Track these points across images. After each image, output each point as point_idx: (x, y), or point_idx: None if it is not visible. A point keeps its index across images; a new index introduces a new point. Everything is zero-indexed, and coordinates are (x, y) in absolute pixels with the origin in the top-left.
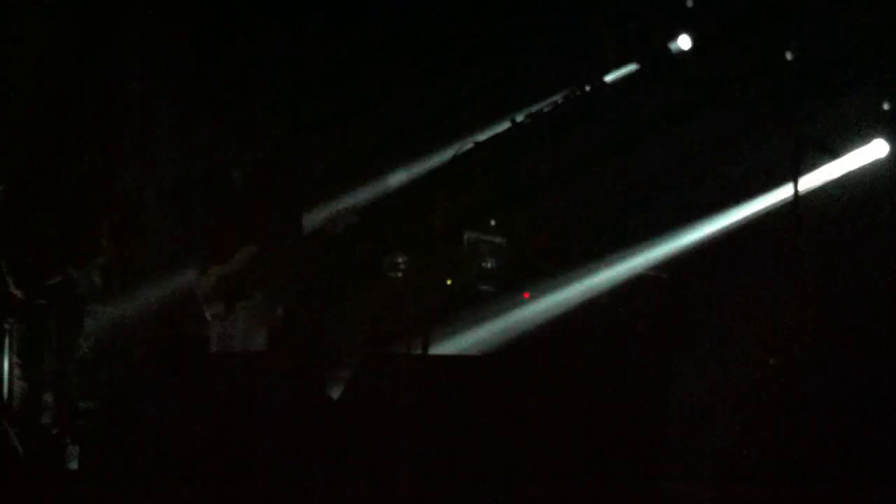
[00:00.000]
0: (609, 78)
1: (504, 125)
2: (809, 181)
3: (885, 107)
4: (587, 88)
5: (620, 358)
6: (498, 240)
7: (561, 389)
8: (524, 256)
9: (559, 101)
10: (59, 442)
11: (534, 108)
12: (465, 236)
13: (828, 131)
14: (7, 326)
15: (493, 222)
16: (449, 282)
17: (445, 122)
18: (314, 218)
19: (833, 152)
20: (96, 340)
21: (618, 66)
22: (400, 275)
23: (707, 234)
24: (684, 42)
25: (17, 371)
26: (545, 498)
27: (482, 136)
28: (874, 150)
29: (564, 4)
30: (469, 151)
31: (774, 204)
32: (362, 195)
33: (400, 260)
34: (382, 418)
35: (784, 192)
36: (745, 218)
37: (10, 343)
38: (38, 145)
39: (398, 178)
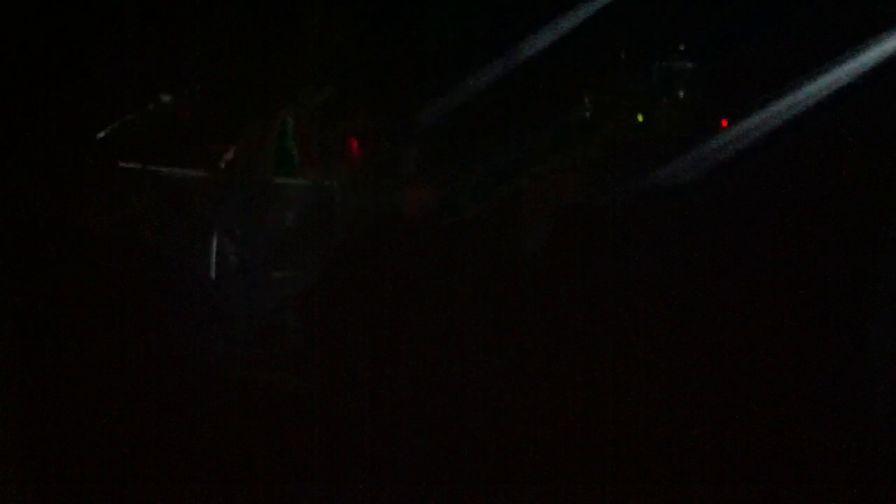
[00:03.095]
0: None
1: None
2: None
3: None
4: None
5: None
6: (689, 65)
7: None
8: (720, 80)
9: None
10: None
11: None
12: (653, 65)
13: None
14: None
15: (681, 47)
16: (640, 118)
17: None
18: None
19: None
20: None
21: None
22: (588, 115)
23: None
24: None
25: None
26: None
27: None
28: None
29: None
30: None
31: None
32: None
33: (587, 100)
34: None
35: None
36: None
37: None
38: None
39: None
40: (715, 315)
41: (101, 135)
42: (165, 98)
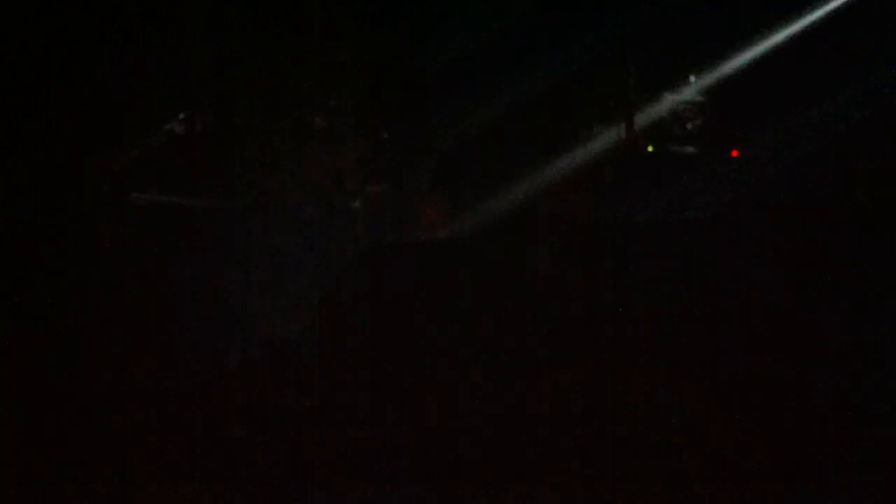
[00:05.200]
0: None
1: None
2: None
3: None
4: None
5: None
6: (699, 98)
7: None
8: (730, 111)
9: None
10: None
11: None
12: (664, 97)
13: None
14: None
15: (692, 79)
16: (650, 148)
17: None
18: None
19: None
20: None
21: None
22: (597, 147)
23: None
24: None
25: None
26: None
27: None
28: None
29: None
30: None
31: None
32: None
33: (595, 129)
34: None
35: None
36: None
37: None
38: None
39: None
40: (719, 325)
41: (114, 157)
42: (176, 121)
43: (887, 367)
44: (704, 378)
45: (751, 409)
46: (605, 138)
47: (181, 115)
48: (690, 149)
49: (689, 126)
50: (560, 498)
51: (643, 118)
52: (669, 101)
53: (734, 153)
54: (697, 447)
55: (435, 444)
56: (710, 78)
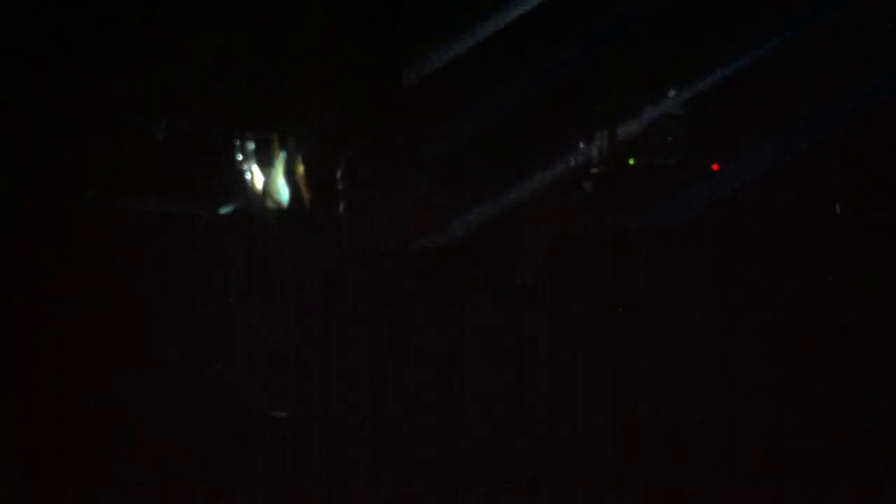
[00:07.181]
0: None
1: None
2: None
3: None
4: None
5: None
6: (679, 110)
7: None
8: (713, 123)
9: None
10: None
11: None
12: (643, 109)
13: None
14: None
15: (672, 92)
16: (631, 161)
17: None
18: None
19: None
20: None
21: None
22: (579, 158)
23: None
24: None
25: None
26: None
27: None
28: None
29: None
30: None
31: None
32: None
33: (581, 144)
34: None
35: None
36: None
37: None
38: None
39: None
40: (712, 328)
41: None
42: (161, 125)
43: (886, 367)
44: (702, 379)
45: (749, 411)
46: (588, 150)
47: (165, 119)
48: (671, 161)
49: (670, 138)
50: (560, 498)
51: (625, 130)
52: (651, 112)
53: (714, 167)
54: (697, 447)
55: (434, 445)
56: (692, 89)
